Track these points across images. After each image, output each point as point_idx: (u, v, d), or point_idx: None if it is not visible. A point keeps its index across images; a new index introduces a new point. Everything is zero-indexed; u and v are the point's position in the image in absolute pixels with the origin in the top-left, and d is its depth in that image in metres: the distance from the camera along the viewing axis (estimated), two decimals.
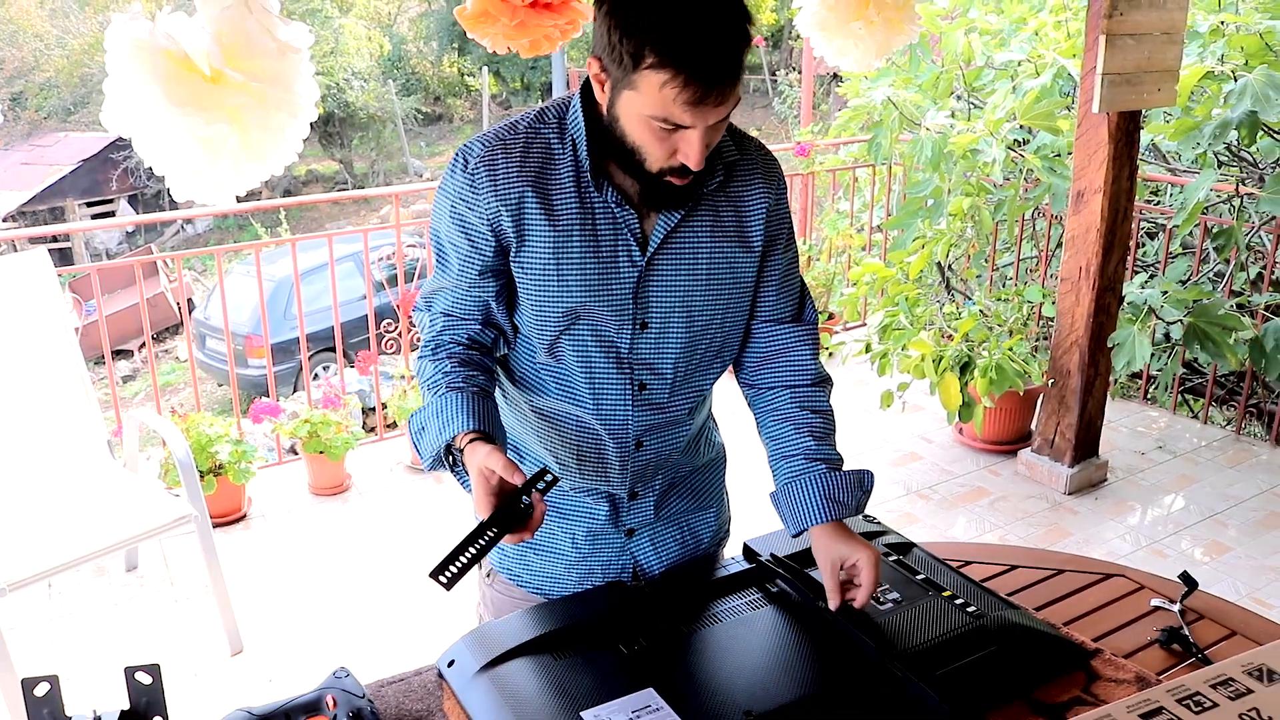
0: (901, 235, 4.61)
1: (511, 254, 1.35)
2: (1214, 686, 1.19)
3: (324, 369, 10.31)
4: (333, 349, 9.79)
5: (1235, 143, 4.19)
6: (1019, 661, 1.31)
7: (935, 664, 1.26)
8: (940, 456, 4.10)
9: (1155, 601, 1.51)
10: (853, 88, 5.29)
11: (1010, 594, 1.53)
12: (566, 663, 1.29)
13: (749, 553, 1.54)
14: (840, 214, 5.66)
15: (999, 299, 4.03)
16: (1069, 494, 3.73)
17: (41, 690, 1.17)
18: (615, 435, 1.41)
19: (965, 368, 3.75)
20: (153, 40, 1.73)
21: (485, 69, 22.86)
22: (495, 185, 1.31)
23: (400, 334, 4.06)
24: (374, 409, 4.58)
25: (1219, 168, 4.25)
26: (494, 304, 1.38)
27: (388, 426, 4.16)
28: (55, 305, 2.86)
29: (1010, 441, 4.08)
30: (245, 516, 3.55)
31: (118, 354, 12.25)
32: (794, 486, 1.41)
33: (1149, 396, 4.64)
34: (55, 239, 15.72)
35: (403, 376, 3.99)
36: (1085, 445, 3.74)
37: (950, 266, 4.61)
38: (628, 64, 1.17)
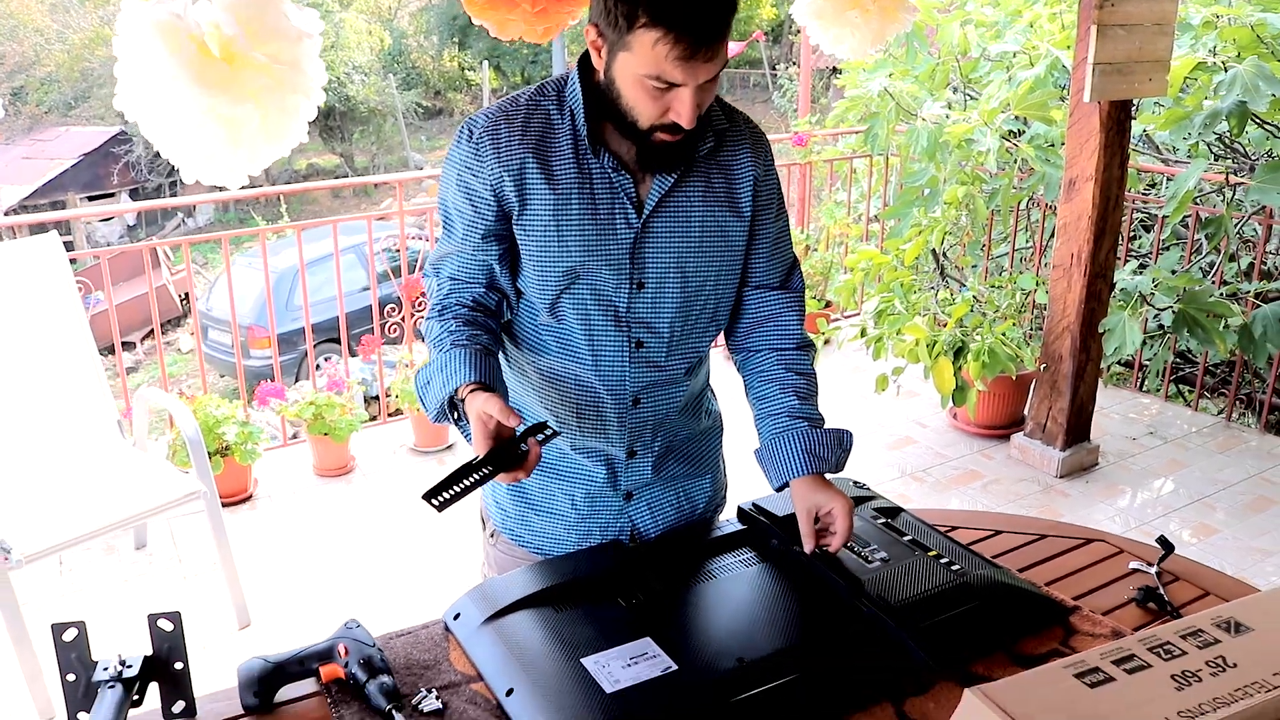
0: (898, 225, 4.67)
1: (514, 218, 1.42)
2: (1183, 637, 1.24)
3: (325, 359, 10.38)
4: (336, 340, 9.83)
5: (1226, 134, 4.25)
6: (1000, 617, 1.37)
7: (920, 617, 1.32)
8: (934, 440, 4.16)
9: (1133, 564, 1.57)
10: (851, 79, 5.35)
11: (994, 556, 1.59)
12: (567, 615, 1.36)
13: (743, 515, 1.60)
14: (838, 204, 5.73)
15: (993, 286, 4.09)
16: (1060, 477, 3.79)
17: (70, 636, 1.23)
18: (613, 392, 1.48)
19: (959, 353, 3.81)
20: (174, 22, 1.79)
21: (485, 63, 22.90)
22: (498, 153, 1.39)
23: (405, 319, 4.12)
24: (376, 398, 4.64)
25: (1212, 159, 4.31)
26: (497, 268, 1.45)
27: (393, 413, 4.21)
28: (67, 288, 2.92)
29: (1003, 426, 4.14)
30: (251, 497, 3.61)
31: (122, 345, 12.28)
32: (777, 443, 1.49)
33: (1141, 385, 4.71)
34: (57, 230, 15.75)
35: (407, 364, 4.04)
36: (1077, 429, 3.81)
37: (945, 254, 4.67)
38: (622, 26, 1.26)
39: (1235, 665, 1.19)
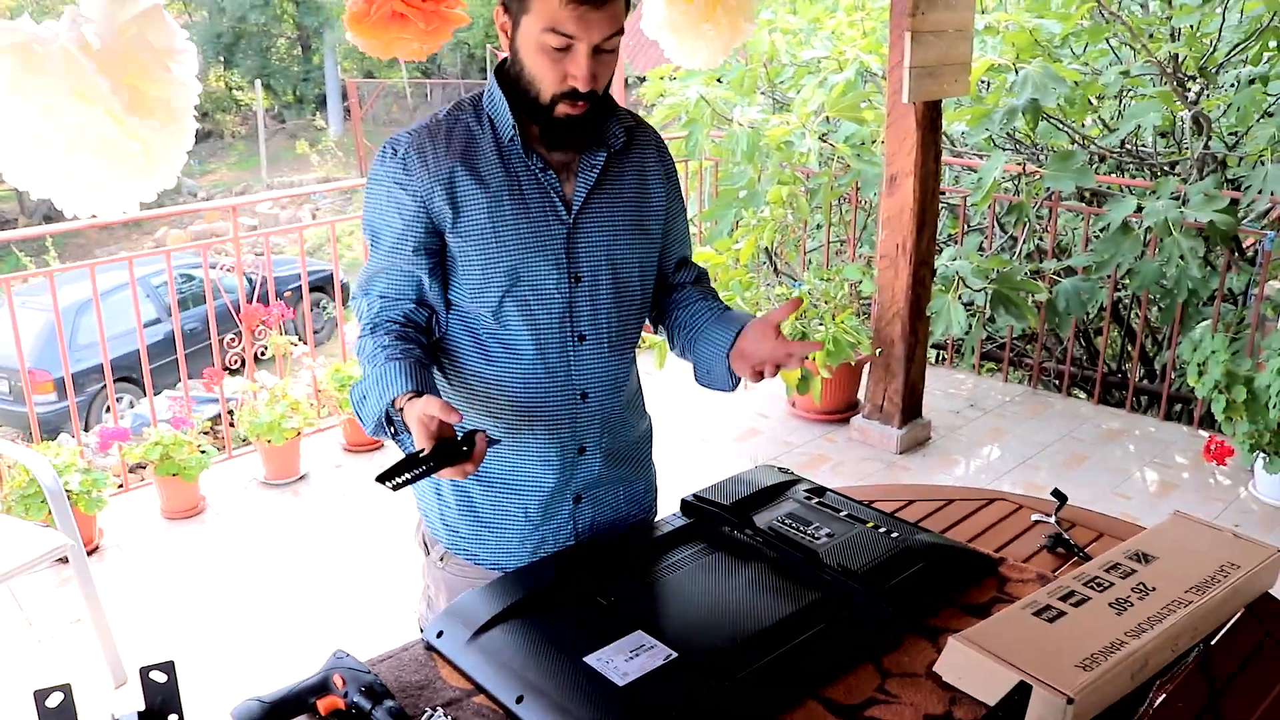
0: (716, 226, 4.89)
1: (449, 229, 1.48)
2: (1107, 571, 1.42)
3: (118, 400, 9.72)
4: (126, 379, 9.21)
5: (1016, 130, 4.68)
6: (943, 574, 1.51)
7: (880, 580, 1.44)
8: (778, 429, 4.38)
9: (1035, 516, 1.76)
10: (654, 89, 5.54)
11: (916, 523, 1.73)
12: (550, 621, 1.40)
13: (687, 508, 1.68)
14: None
15: (823, 279, 4.34)
16: (900, 453, 4.07)
17: (54, 701, 1.17)
18: (562, 389, 1.55)
19: None
20: (49, 40, 1.70)
21: (257, 81, 21.98)
22: (426, 165, 1.46)
23: (245, 349, 3.96)
24: (213, 429, 4.43)
25: (1005, 152, 4.73)
26: (426, 281, 1.50)
27: (242, 441, 4.04)
28: None
29: (840, 411, 4.41)
30: (99, 548, 3.39)
31: None
32: (707, 327, 1.61)
33: (956, 363, 5.11)
34: None
35: (255, 392, 3.89)
36: (911, 408, 4.11)
37: (775, 251, 4.91)
38: None
39: (1155, 589, 1.38)
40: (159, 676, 1.20)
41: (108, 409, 9.75)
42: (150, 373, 4.22)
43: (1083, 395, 4.83)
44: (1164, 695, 1.27)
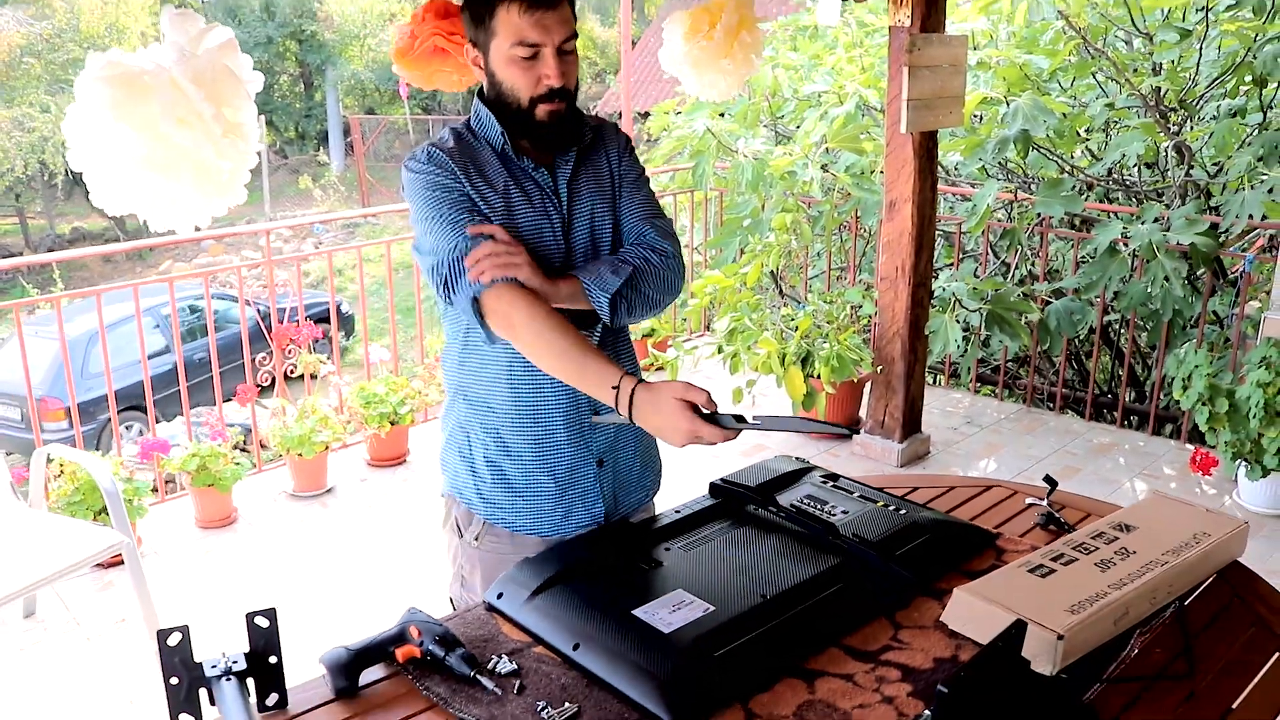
0: (720, 254, 5.10)
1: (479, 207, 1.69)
2: (1093, 538, 1.60)
3: (127, 428, 9.86)
4: (135, 408, 9.36)
5: (1007, 159, 4.91)
6: (948, 545, 1.69)
7: (894, 548, 1.62)
8: (784, 445, 4.54)
9: (1029, 500, 1.94)
10: (659, 122, 5.78)
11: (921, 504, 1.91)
12: (598, 583, 1.57)
13: (715, 489, 1.86)
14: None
15: (826, 301, 4.54)
16: (901, 466, 4.25)
17: (174, 640, 1.35)
18: None
19: (805, 361, 4.22)
20: (138, 76, 1.89)
21: (260, 118, 22.25)
22: (448, 162, 1.69)
23: (275, 367, 4.14)
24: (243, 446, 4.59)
25: (996, 180, 4.95)
26: None
27: (275, 457, 4.21)
28: None
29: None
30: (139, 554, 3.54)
31: None
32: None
33: (954, 382, 5.30)
34: None
35: (283, 409, 4.06)
36: (911, 423, 4.29)
37: (781, 275, 5.11)
38: (486, 18, 1.63)
39: (1135, 552, 1.56)
40: (262, 622, 1.37)
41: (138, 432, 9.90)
42: (156, 401, 4.32)
43: (1075, 414, 5.01)
44: (1144, 642, 1.45)
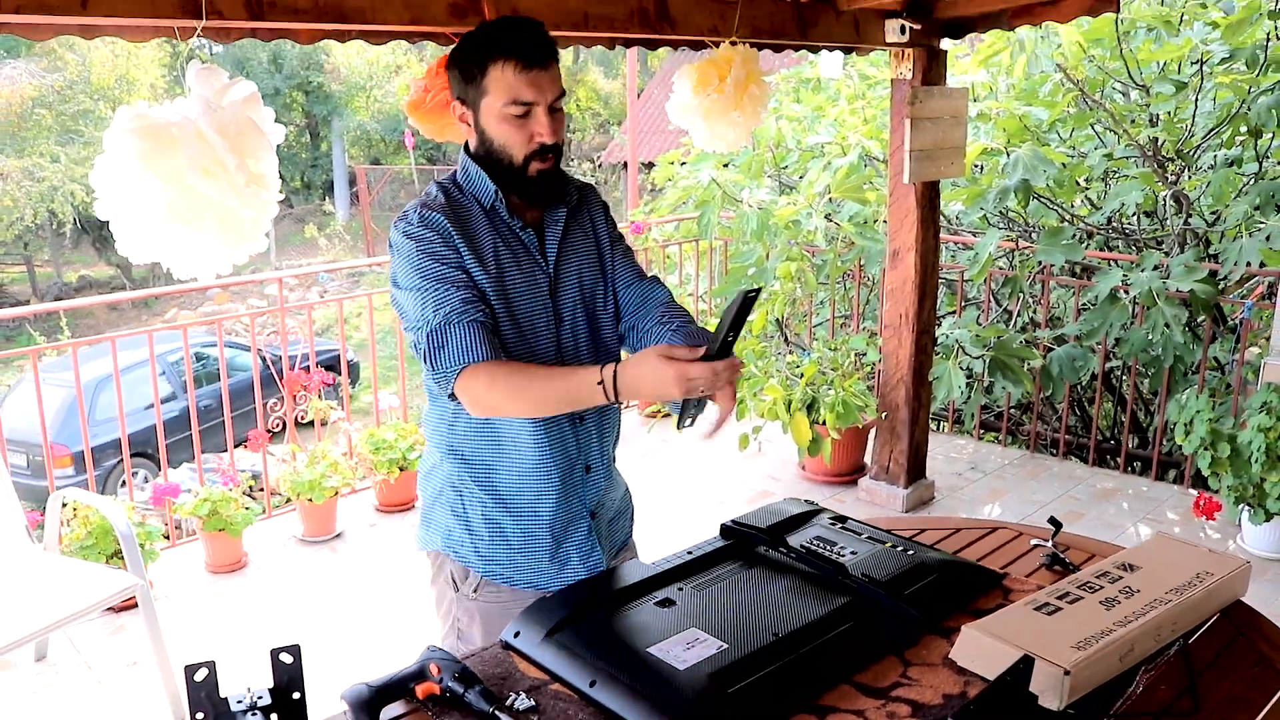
0: (725, 303, 5.16)
1: (471, 269, 1.70)
2: (1098, 578, 1.64)
3: (133, 475, 9.89)
4: (142, 455, 9.37)
5: (1008, 208, 4.99)
6: (955, 584, 1.72)
7: (903, 587, 1.65)
8: (790, 490, 4.57)
9: (1034, 541, 1.97)
10: (664, 173, 5.88)
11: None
12: (615, 621, 1.60)
13: (726, 531, 1.90)
14: (671, 286, 6.19)
15: (831, 348, 4.60)
16: (906, 512, 4.27)
17: (200, 675, 1.37)
18: (562, 416, 1.78)
19: (810, 407, 4.26)
20: (164, 129, 1.96)
21: None
22: (444, 225, 1.70)
23: (286, 413, 4.19)
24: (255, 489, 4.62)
25: (997, 229, 5.03)
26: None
27: (285, 502, 4.24)
28: None
29: (848, 473, 4.61)
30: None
31: None
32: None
33: (958, 429, 5.33)
34: None
35: (293, 454, 4.10)
36: (915, 468, 4.32)
37: (786, 323, 5.17)
38: (477, 76, 1.66)
39: (1139, 590, 1.59)
40: (286, 658, 1.41)
41: (123, 483, 9.92)
42: (166, 447, 4.35)
43: (1078, 460, 5.04)
44: (1149, 679, 1.47)
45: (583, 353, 1.82)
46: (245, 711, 1.37)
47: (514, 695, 1.47)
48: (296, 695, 1.41)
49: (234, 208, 1.90)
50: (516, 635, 1.61)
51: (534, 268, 1.76)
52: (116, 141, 1.95)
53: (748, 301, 1.48)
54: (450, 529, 1.88)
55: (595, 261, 1.85)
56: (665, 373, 1.52)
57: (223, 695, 1.39)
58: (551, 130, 1.68)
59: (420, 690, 1.47)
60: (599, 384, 1.58)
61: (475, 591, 1.88)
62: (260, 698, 1.39)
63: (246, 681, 1.41)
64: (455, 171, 1.79)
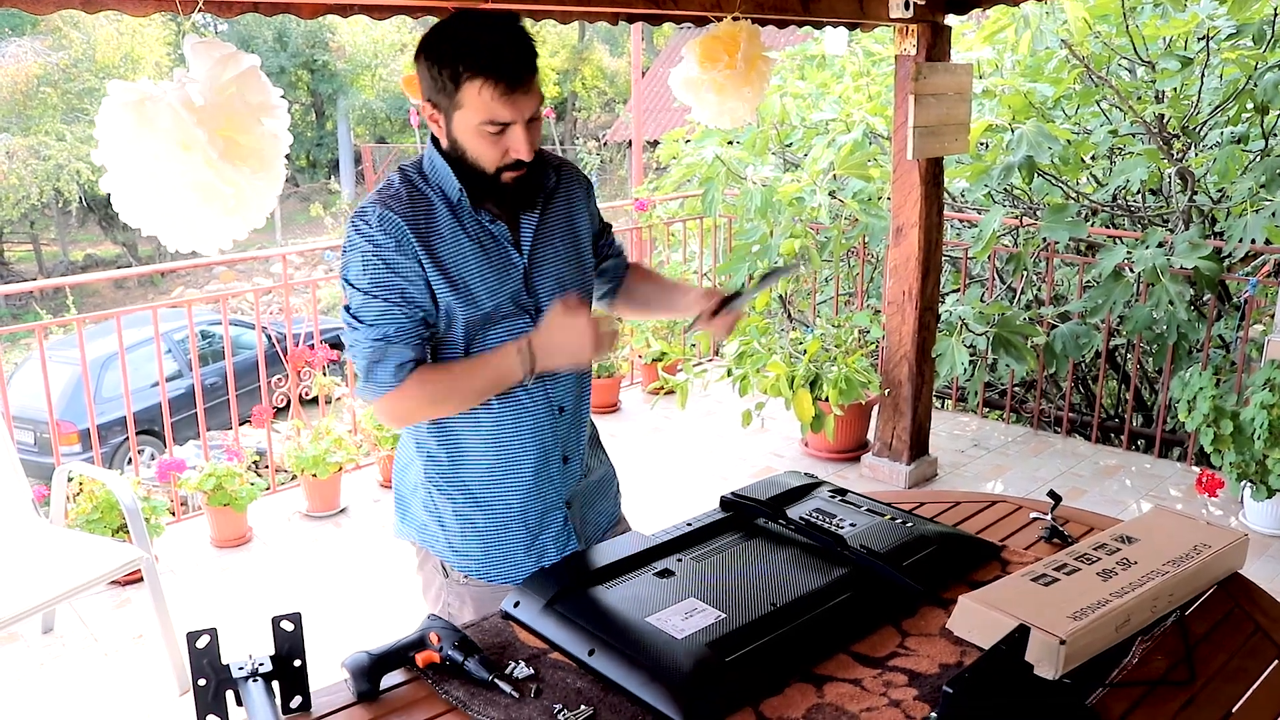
0: (730, 280, 5.16)
1: (429, 277, 1.63)
2: (1095, 549, 1.64)
3: (139, 452, 9.92)
4: (148, 432, 9.40)
5: (1013, 185, 4.97)
6: (954, 556, 1.73)
7: (901, 559, 1.66)
8: (793, 466, 4.58)
9: (1033, 514, 1.98)
10: (668, 150, 5.86)
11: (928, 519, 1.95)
12: (615, 590, 1.61)
13: (726, 503, 1.90)
14: (675, 264, 6.18)
15: (834, 325, 4.60)
16: (909, 488, 4.28)
17: (202, 642, 1.39)
18: (542, 406, 1.76)
19: (813, 384, 4.26)
20: (155, 103, 1.96)
21: None
22: (401, 230, 1.61)
23: (290, 389, 4.20)
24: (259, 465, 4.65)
25: (1003, 206, 5.01)
26: (421, 323, 1.65)
27: (290, 478, 4.27)
28: None
29: (851, 449, 4.62)
30: None
31: None
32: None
33: (958, 406, 5.33)
34: None
35: (298, 430, 4.12)
36: (918, 445, 4.32)
37: (790, 299, 5.17)
38: (450, 89, 1.54)
39: (1136, 562, 1.60)
40: (288, 626, 1.42)
41: (129, 460, 9.98)
42: (172, 425, 4.35)
43: (1081, 438, 5.04)
44: (1145, 649, 1.48)
45: None
46: (247, 678, 1.38)
47: (513, 664, 1.48)
48: (298, 663, 1.42)
49: (210, 180, 1.89)
50: (516, 605, 1.62)
51: (506, 259, 1.69)
52: (105, 115, 1.96)
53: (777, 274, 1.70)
54: (425, 525, 1.84)
55: (574, 246, 1.79)
56: (574, 323, 1.59)
57: (224, 662, 1.40)
58: (529, 146, 1.59)
59: (420, 659, 1.49)
60: (519, 354, 1.61)
61: (465, 578, 1.87)
62: (261, 664, 1.40)
63: (249, 651, 1.42)
64: (421, 159, 1.69)
